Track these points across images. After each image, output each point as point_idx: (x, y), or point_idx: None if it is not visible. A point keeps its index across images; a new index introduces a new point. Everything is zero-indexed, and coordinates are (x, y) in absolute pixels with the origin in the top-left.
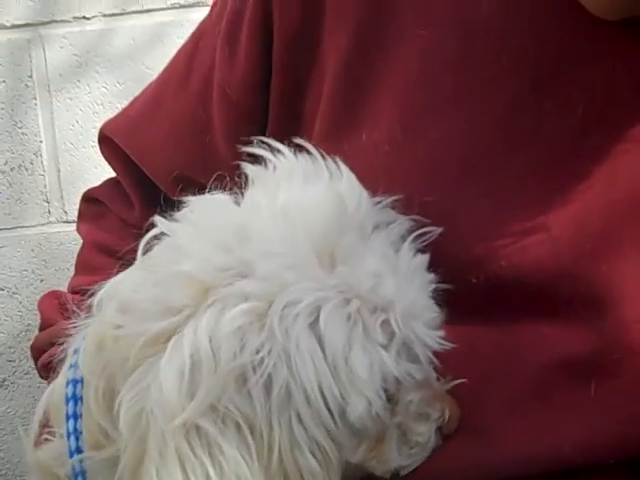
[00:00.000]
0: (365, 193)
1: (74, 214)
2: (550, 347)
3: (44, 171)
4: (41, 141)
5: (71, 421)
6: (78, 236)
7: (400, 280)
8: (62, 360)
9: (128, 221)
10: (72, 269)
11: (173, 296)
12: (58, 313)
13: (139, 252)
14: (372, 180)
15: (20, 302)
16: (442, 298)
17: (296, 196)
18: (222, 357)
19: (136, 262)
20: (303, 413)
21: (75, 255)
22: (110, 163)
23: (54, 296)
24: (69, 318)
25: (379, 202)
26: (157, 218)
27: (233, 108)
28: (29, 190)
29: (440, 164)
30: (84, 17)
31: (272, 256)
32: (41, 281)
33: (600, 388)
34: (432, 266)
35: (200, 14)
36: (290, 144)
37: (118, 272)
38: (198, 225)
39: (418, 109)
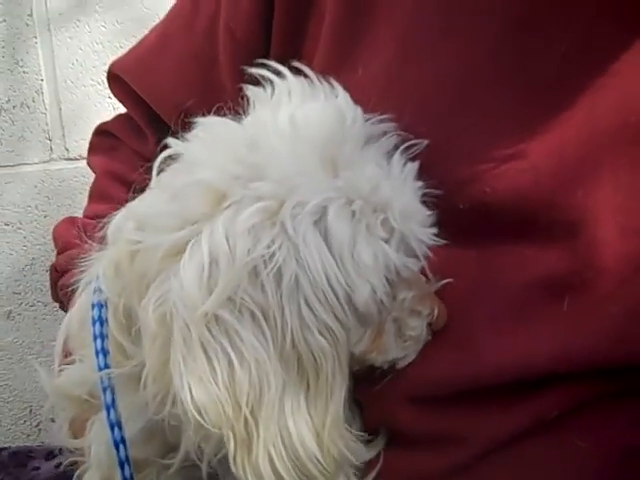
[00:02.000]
0: (359, 109)
1: (75, 151)
2: (529, 267)
3: (45, 109)
4: (42, 79)
5: (98, 341)
6: (80, 172)
7: (395, 184)
8: (75, 290)
9: (142, 153)
10: (74, 205)
11: (190, 206)
12: (75, 238)
13: (153, 173)
14: (367, 112)
15: (24, 237)
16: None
17: (297, 111)
18: (237, 253)
19: (151, 183)
20: (311, 299)
21: (77, 191)
22: (121, 100)
23: (70, 222)
24: (86, 243)
25: (370, 118)
26: (169, 140)
27: (238, 45)
28: (31, 128)
29: (432, 96)
30: None
31: (282, 162)
32: (44, 217)
33: (572, 304)
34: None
35: None
36: (289, 68)
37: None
38: (209, 141)
39: (412, 45)
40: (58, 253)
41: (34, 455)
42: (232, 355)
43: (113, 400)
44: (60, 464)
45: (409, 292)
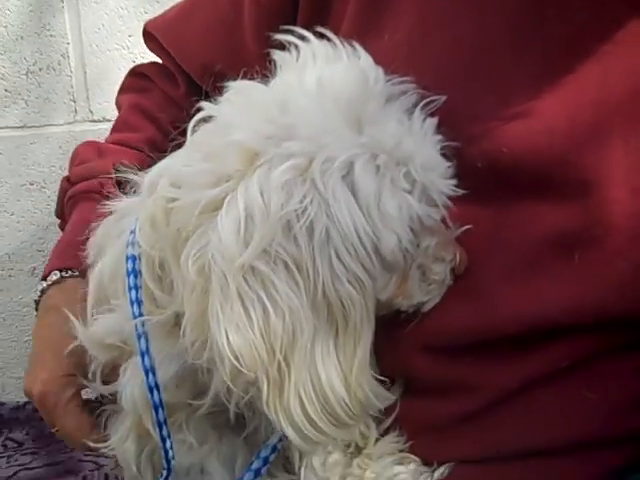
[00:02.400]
0: (380, 69)
1: (99, 113)
2: (541, 224)
3: (71, 72)
4: (68, 43)
5: (133, 292)
6: (103, 134)
7: (416, 139)
8: (100, 247)
9: (172, 98)
10: None
11: (225, 164)
12: (95, 155)
13: (188, 134)
14: (392, 75)
15: (48, 196)
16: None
17: (322, 73)
18: (271, 208)
19: (185, 144)
20: (341, 251)
21: None
22: (156, 54)
23: (91, 143)
24: (105, 159)
25: (391, 79)
26: (202, 103)
27: (262, 9)
28: (56, 90)
29: (450, 61)
30: None
31: (310, 121)
32: None
33: (582, 259)
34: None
35: None
36: (314, 33)
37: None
38: (241, 103)
39: (434, 13)
40: (75, 166)
41: None
42: (267, 303)
43: (147, 347)
44: None
45: (432, 239)
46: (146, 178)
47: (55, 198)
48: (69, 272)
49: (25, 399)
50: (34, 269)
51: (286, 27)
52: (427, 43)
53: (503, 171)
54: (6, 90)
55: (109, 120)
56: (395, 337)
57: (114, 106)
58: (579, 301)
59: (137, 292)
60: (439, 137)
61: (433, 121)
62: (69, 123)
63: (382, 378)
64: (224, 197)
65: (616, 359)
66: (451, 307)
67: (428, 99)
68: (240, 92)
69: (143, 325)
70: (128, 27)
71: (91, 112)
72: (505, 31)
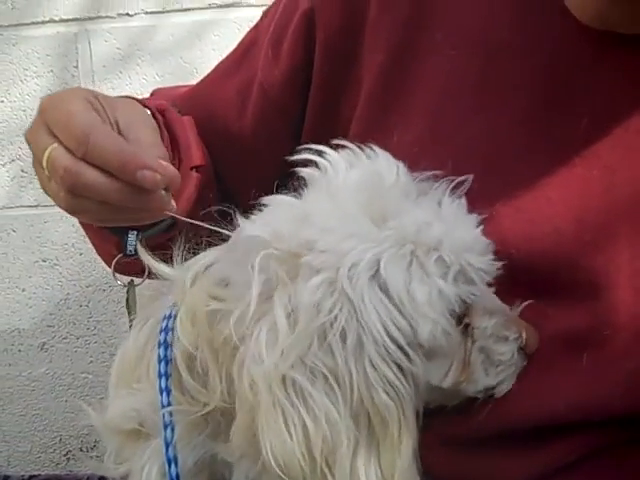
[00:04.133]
0: (401, 165)
1: None
2: (551, 324)
3: None
4: None
5: (163, 379)
6: None
7: (447, 222)
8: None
9: None
10: None
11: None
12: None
13: (228, 242)
14: None
15: (60, 273)
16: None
17: (343, 180)
18: (305, 319)
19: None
20: (373, 356)
21: None
22: None
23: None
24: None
25: (418, 176)
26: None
27: (268, 101)
28: None
29: (461, 167)
30: (127, 14)
31: (329, 232)
32: (80, 254)
33: (591, 358)
34: None
35: (236, 14)
36: (330, 145)
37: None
38: (272, 216)
39: (445, 117)
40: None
41: None
42: (304, 415)
43: (172, 438)
44: None
45: (490, 320)
46: (189, 267)
47: (67, 275)
48: None
49: (30, 473)
50: (44, 344)
51: (303, 147)
52: (437, 148)
53: (512, 273)
54: (22, 170)
55: None
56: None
57: None
58: (586, 399)
59: (167, 380)
60: (473, 216)
61: (462, 201)
62: None
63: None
64: (262, 310)
65: (622, 453)
66: (469, 403)
67: (456, 182)
68: (271, 207)
69: (171, 415)
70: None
71: None
72: (514, 136)
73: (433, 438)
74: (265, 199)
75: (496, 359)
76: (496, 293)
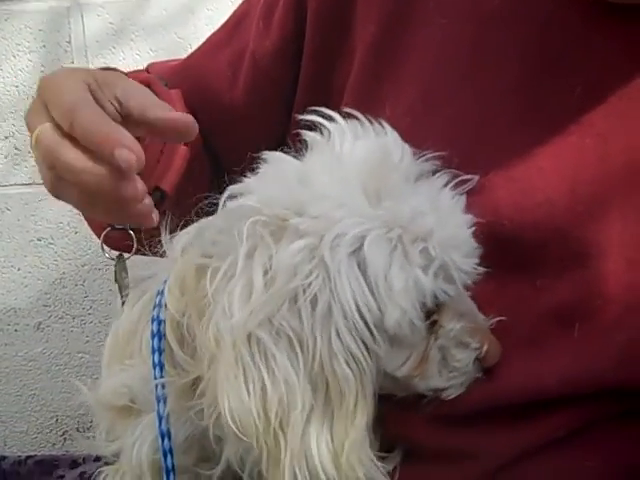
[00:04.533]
0: (407, 147)
1: None
2: (541, 298)
3: None
4: None
5: (156, 354)
6: None
7: (441, 216)
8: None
9: None
10: None
11: (238, 227)
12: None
13: (220, 205)
14: None
15: (55, 252)
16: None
17: (348, 148)
18: (279, 280)
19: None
20: (340, 328)
21: None
22: None
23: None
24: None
25: (420, 156)
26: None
27: (259, 72)
28: None
29: (452, 137)
30: None
31: (324, 198)
32: (75, 233)
33: (582, 330)
34: None
35: None
36: (340, 113)
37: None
38: (269, 174)
39: (436, 88)
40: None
41: (59, 464)
42: (265, 374)
43: (165, 411)
44: (84, 472)
45: (458, 323)
46: (179, 241)
47: (62, 254)
48: None
49: (27, 454)
50: (39, 324)
51: (312, 108)
52: (428, 118)
53: (502, 244)
54: (16, 148)
55: None
56: (400, 407)
57: None
58: (577, 372)
59: (160, 355)
60: (469, 216)
61: (462, 199)
62: None
63: (378, 454)
64: (237, 267)
65: (614, 427)
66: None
67: (461, 178)
68: (270, 164)
69: (163, 388)
70: None
71: None
72: (505, 104)
73: (418, 416)
74: (265, 154)
75: (451, 364)
76: (486, 265)
